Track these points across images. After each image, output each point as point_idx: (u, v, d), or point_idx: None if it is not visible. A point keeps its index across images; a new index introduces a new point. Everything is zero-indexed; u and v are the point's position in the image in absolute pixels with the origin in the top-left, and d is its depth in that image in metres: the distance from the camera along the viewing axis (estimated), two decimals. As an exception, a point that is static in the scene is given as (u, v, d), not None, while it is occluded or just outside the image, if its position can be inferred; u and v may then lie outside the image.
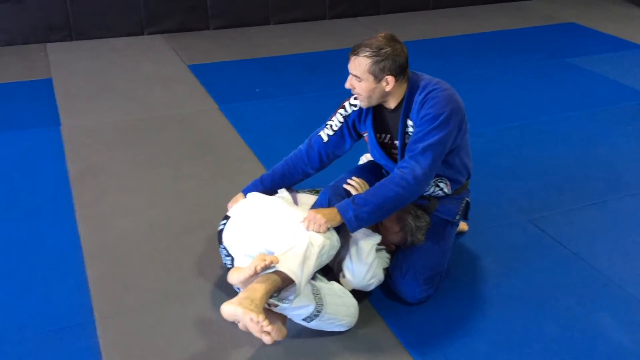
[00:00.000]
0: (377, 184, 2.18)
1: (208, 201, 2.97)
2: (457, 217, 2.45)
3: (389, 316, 2.25)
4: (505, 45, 5.54)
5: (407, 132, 2.26)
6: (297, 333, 2.15)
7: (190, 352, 2.08)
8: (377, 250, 2.29)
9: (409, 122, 2.24)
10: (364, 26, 6.06)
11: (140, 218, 2.85)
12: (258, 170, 3.12)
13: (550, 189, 3.13)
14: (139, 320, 2.23)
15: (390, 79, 2.16)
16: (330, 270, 2.35)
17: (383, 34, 2.20)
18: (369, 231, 2.24)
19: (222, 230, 2.29)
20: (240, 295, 1.89)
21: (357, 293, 2.25)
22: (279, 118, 3.94)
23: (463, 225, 2.73)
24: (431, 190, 2.37)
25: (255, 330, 1.85)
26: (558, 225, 2.82)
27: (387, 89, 2.19)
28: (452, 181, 2.38)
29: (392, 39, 2.19)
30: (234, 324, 2.07)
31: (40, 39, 5.38)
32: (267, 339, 1.86)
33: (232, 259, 2.22)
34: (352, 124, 2.40)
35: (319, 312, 2.04)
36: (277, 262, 1.93)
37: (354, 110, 2.38)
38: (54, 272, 2.48)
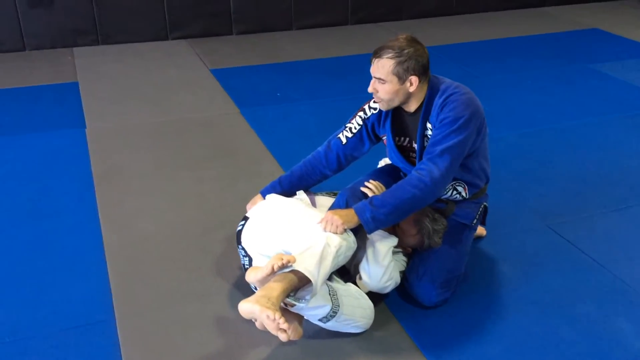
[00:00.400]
0: (394, 186, 2.19)
1: (228, 202, 3.01)
2: (475, 221, 2.45)
3: (405, 319, 2.26)
4: (527, 50, 5.51)
5: (426, 135, 2.27)
6: (314, 334, 2.17)
7: (208, 351, 2.11)
8: (394, 253, 2.31)
9: (428, 125, 2.26)
10: (386, 31, 6.07)
11: (161, 219, 2.89)
12: (277, 172, 3.15)
13: (570, 195, 3.11)
14: (158, 318, 2.27)
15: (414, 79, 2.17)
16: (347, 272, 2.37)
17: (404, 36, 2.21)
18: (386, 233, 2.26)
19: (240, 230, 2.32)
20: (258, 293, 1.92)
21: (373, 295, 2.26)
22: (299, 122, 3.98)
23: (481, 230, 2.73)
24: (449, 193, 2.37)
25: (271, 327, 1.87)
26: (577, 231, 2.80)
27: (411, 89, 2.19)
28: (470, 185, 2.38)
29: (413, 40, 2.20)
30: (251, 323, 2.10)
31: (67, 43, 5.50)
32: (283, 337, 1.88)
33: (250, 260, 2.25)
34: (371, 127, 2.42)
35: (335, 312, 2.05)
36: (294, 262, 1.96)
37: (373, 114, 2.40)
38: (77, 271, 2.54)
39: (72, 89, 4.54)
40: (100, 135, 3.77)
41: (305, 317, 2.10)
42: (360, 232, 2.21)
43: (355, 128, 2.43)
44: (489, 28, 6.23)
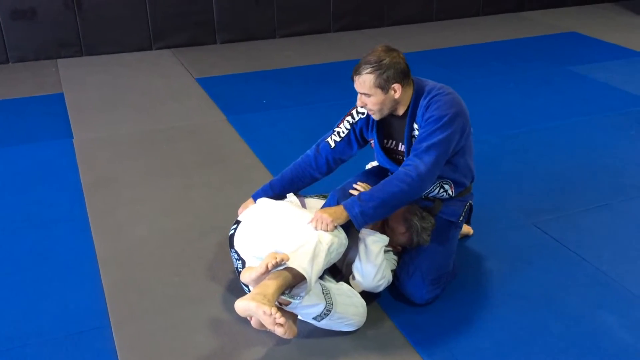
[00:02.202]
0: (382, 181, 2.25)
1: (218, 208, 3.04)
2: (461, 218, 2.51)
3: (397, 316, 2.30)
4: (508, 54, 5.61)
5: (413, 136, 2.33)
6: (309, 333, 2.21)
7: (204, 354, 2.14)
8: (385, 252, 2.35)
9: (415, 126, 2.32)
10: (369, 38, 6.15)
11: (152, 225, 2.91)
12: (266, 178, 3.18)
13: (554, 193, 3.19)
14: (153, 323, 2.28)
15: (397, 86, 2.24)
16: (339, 272, 2.40)
17: (379, 47, 2.29)
18: (378, 233, 2.30)
19: (232, 234, 2.35)
20: (253, 291, 1.95)
21: (366, 295, 2.30)
22: (286, 128, 4.02)
23: (468, 229, 2.78)
24: (436, 191, 2.43)
25: (268, 322, 1.91)
26: (562, 228, 2.86)
27: (397, 96, 2.26)
28: (457, 184, 2.44)
29: (388, 49, 2.27)
30: (246, 326, 2.13)
31: (51, 54, 5.50)
32: (280, 331, 1.92)
33: (243, 262, 2.28)
34: (359, 131, 2.48)
35: (329, 311, 2.09)
36: (288, 260, 2.00)
37: (361, 118, 2.46)
38: (70, 278, 2.55)
39: (58, 100, 4.54)
40: (88, 145, 3.78)
41: (299, 317, 2.13)
42: (352, 233, 2.25)
43: (343, 132, 2.49)
44: (470, 33, 6.33)
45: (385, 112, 2.32)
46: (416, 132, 2.31)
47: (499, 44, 5.95)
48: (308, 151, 2.57)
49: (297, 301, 2.01)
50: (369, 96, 2.25)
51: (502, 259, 2.64)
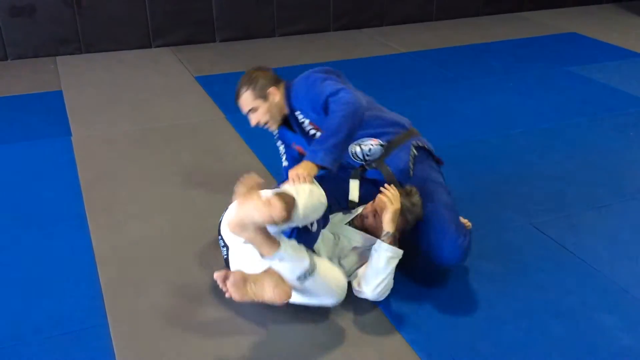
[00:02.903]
0: (325, 124, 2.38)
1: (216, 207, 3.00)
2: (412, 163, 2.52)
3: (396, 318, 2.30)
4: (507, 54, 5.61)
5: (302, 123, 2.57)
6: (308, 332, 2.21)
7: (202, 352, 2.13)
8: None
9: (297, 114, 2.57)
10: (368, 37, 6.14)
11: (150, 224, 2.91)
12: (264, 176, 3.18)
13: (552, 194, 3.18)
14: (151, 322, 2.28)
15: (272, 90, 2.53)
16: None
17: (248, 70, 2.62)
18: (394, 248, 2.28)
19: (220, 221, 2.37)
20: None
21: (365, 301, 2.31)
22: (285, 127, 4.01)
23: (465, 221, 2.76)
24: (367, 149, 2.52)
25: (260, 207, 1.93)
26: (561, 229, 2.86)
27: (277, 99, 2.54)
28: (380, 136, 2.54)
29: (255, 68, 2.62)
30: (245, 324, 2.12)
31: (50, 52, 5.49)
32: (276, 207, 1.92)
33: (228, 249, 2.30)
34: (286, 142, 2.75)
35: (312, 270, 2.09)
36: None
37: (277, 132, 2.76)
38: (68, 276, 2.54)
39: (56, 97, 4.53)
40: (87, 143, 3.77)
41: (286, 279, 2.10)
42: (363, 250, 2.32)
43: (282, 151, 2.85)
44: (469, 33, 6.32)
45: (277, 118, 2.58)
46: (301, 118, 2.53)
47: (499, 44, 5.95)
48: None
49: (284, 246, 2.04)
50: (256, 110, 2.54)
51: (500, 260, 2.64)
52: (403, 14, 6.62)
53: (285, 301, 2.08)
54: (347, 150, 2.46)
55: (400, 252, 2.28)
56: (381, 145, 2.53)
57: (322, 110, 2.44)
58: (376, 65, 5.31)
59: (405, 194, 2.38)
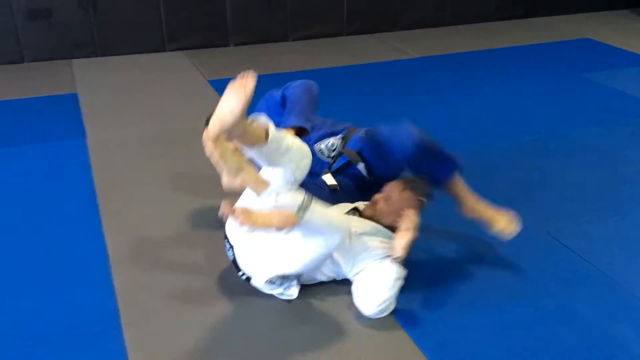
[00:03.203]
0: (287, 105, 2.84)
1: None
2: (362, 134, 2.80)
3: (407, 323, 2.29)
4: (521, 60, 5.59)
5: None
6: (312, 330, 2.21)
7: (214, 354, 2.14)
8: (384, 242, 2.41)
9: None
10: (381, 42, 6.14)
11: (164, 226, 2.92)
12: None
13: (567, 201, 3.17)
14: (164, 323, 2.29)
15: None
16: None
17: None
18: (401, 268, 2.29)
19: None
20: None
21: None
22: (298, 131, 4.02)
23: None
24: (328, 149, 2.83)
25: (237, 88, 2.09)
26: (575, 236, 2.84)
27: None
28: (335, 134, 2.87)
29: None
30: (258, 326, 2.12)
31: (65, 55, 5.53)
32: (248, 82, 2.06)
33: (233, 249, 2.34)
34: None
35: (310, 202, 2.09)
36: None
37: None
38: (82, 278, 2.56)
39: (72, 100, 4.56)
40: (102, 146, 3.80)
41: (286, 209, 2.09)
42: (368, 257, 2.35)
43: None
44: (482, 38, 6.31)
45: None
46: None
47: (512, 50, 5.93)
48: None
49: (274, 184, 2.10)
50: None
51: (514, 267, 2.63)
52: (416, 19, 6.61)
53: (292, 227, 2.06)
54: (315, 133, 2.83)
55: (406, 272, 2.32)
56: (340, 139, 2.84)
57: (281, 107, 2.84)
58: (389, 70, 5.30)
59: (417, 184, 2.52)
